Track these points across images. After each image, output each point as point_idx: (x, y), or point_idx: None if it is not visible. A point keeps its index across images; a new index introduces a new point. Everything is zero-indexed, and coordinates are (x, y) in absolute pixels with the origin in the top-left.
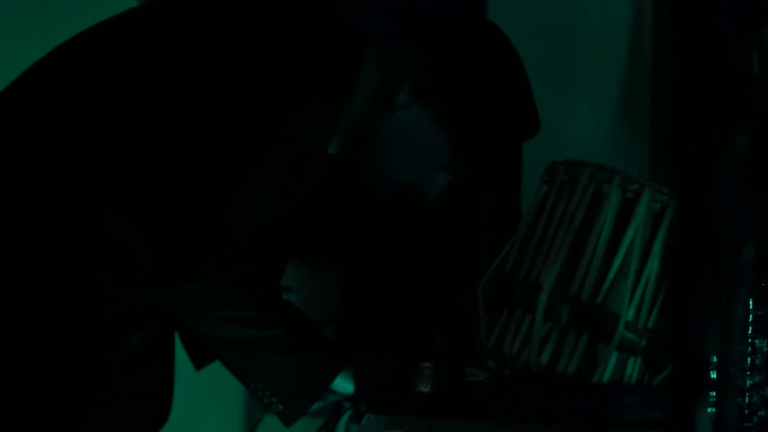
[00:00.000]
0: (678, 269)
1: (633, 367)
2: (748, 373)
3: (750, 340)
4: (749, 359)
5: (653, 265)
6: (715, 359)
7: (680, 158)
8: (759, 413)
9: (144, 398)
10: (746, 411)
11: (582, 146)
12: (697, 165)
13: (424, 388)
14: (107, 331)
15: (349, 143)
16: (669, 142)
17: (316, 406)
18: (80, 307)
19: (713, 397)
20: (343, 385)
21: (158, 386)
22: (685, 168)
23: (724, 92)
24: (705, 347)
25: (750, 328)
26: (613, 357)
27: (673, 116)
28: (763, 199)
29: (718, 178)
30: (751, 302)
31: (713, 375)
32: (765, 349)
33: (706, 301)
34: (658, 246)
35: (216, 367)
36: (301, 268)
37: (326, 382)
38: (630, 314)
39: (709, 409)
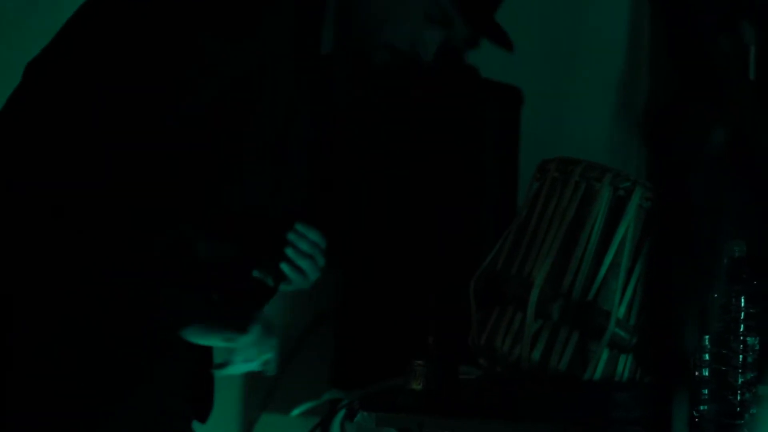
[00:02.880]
0: (657, 264)
1: (624, 365)
2: (740, 370)
3: (742, 338)
4: (741, 357)
5: (644, 262)
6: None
7: (661, 154)
8: (751, 410)
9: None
10: (738, 408)
11: (580, 145)
12: (677, 160)
13: (417, 386)
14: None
15: (338, 13)
16: (652, 139)
17: (310, 405)
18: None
19: (705, 395)
20: None
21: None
22: (665, 163)
23: (704, 88)
24: (681, 344)
25: (742, 325)
26: (605, 354)
27: (657, 113)
28: (750, 196)
29: (696, 172)
30: (743, 300)
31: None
32: (757, 347)
33: (682, 296)
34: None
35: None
36: None
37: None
38: (621, 311)
39: (702, 407)
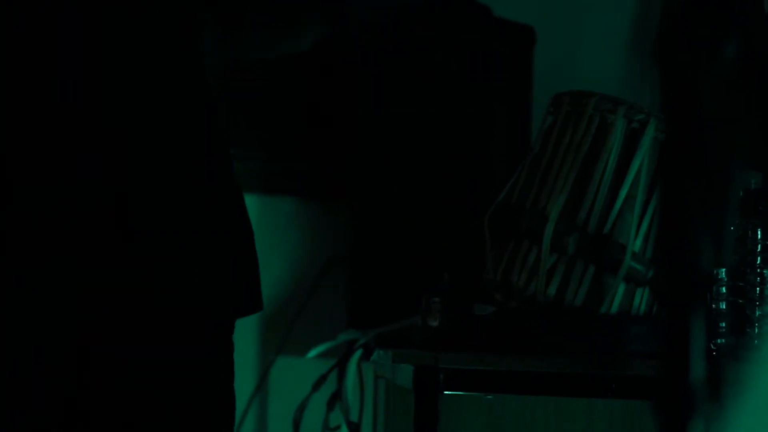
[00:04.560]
0: (671, 195)
1: (641, 299)
2: (757, 303)
3: (759, 271)
4: (758, 289)
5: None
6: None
7: (669, 73)
8: None
9: None
10: (756, 341)
11: (592, 79)
12: (686, 78)
13: (433, 323)
14: None
15: None
16: (658, 59)
17: (326, 346)
18: None
19: (723, 328)
20: None
21: None
22: (673, 82)
23: (713, 2)
24: (697, 276)
25: (758, 258)
26: (621, 288)
27: (663, 32)
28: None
29: (706, 90)
30: (759, 232)
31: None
32: None
33: (698, 227)
34: None
35: None
36: (313, 206)
37: None
38: (637, 245)
39: (719, 340)
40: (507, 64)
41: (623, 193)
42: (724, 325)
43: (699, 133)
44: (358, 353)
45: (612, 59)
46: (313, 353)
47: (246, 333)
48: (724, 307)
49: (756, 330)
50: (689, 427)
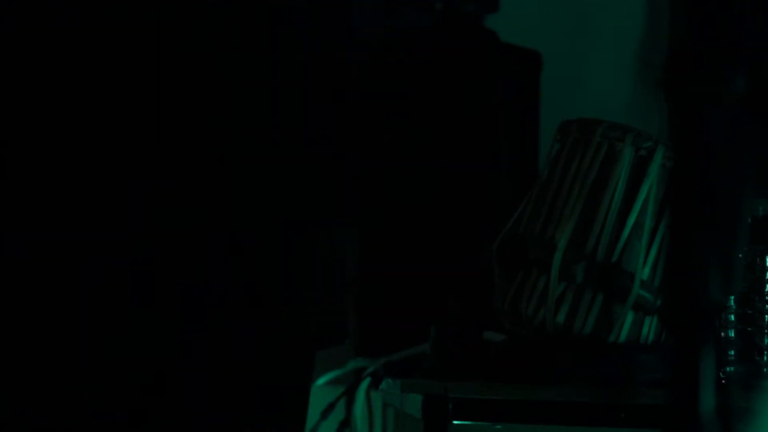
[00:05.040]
0: (679, 223)
1: (649, 327)
2: (766, 331)
3: (767, 298)
4: (767, 317)
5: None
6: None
7: (676, 101)
8: None
9: None
10: (765, 369)
11: (600, 105)
12: (696, 110)
13: (442, 351)
14: None
15: None
16: (665, 87)
17: (335, 374)
18: None
19: (732, 356)
20: None
21: None
22: (681, 110)
23: (721, 34)
24: (706, 305)
25: (767, 285)
26: (629, 316)
27: (671, 63)
28: None
29: (716, 124)
30: (767, 260)
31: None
32: None
33: (705, 255)
34: None
35: None
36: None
37: None
38: (645, 273)
39: (728, 368)
40: (514, 89)
41: (631, 221)
42: (733, 353)
43: (707, 161)
44: (366, 381)
45: (620, 85)
46: (321, 381)
47: None
48: (732, 335)
49: (765, 358)
50: None
